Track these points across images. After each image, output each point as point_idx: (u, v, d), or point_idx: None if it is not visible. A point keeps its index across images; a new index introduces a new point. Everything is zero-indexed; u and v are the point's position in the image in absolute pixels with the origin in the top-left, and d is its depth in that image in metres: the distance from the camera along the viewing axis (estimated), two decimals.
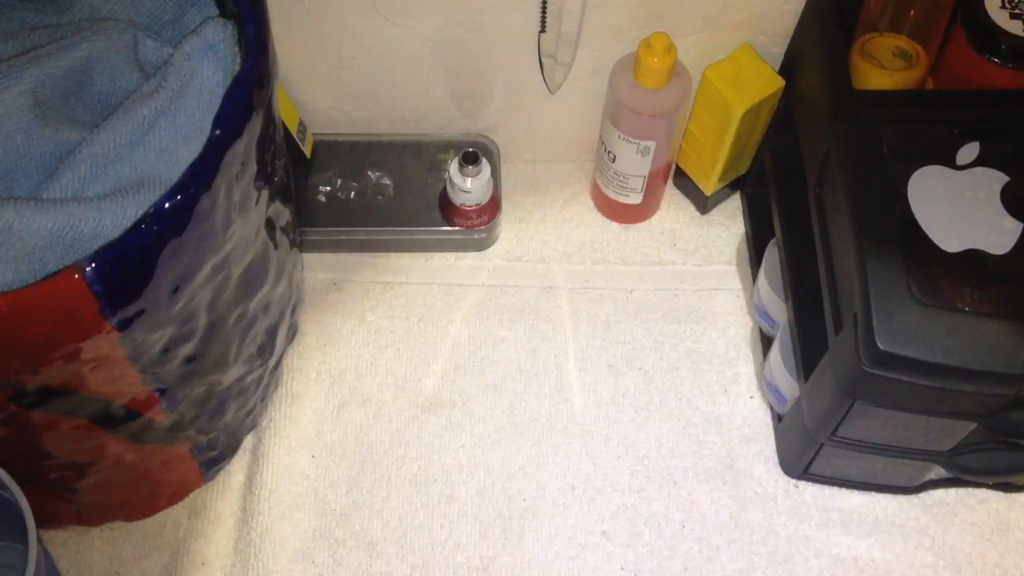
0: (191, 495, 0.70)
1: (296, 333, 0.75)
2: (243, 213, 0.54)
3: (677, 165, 0.81)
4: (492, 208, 0.78)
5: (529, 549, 0.68)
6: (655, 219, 0.82)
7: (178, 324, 0.53)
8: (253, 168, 0.54)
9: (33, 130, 0.51)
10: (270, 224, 0.60)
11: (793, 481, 0.71)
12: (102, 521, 0.68)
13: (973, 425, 0.61)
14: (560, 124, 0.81)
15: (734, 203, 0.83)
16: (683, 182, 0.82)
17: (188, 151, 0.51)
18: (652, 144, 0.73)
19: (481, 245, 0.80)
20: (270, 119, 0.55)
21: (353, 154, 0.81)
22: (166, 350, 0.54)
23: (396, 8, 0.70)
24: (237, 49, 0.53)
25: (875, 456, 0.66)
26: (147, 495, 0.68)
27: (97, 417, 0.56)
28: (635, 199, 0.78)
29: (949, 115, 0.62)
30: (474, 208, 0.77)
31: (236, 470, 0.71)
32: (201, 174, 0.48)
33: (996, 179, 0.59)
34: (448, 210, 0.78)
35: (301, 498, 0.70)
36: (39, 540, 0.51)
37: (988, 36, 0.62)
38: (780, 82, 0.72)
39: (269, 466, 0.71)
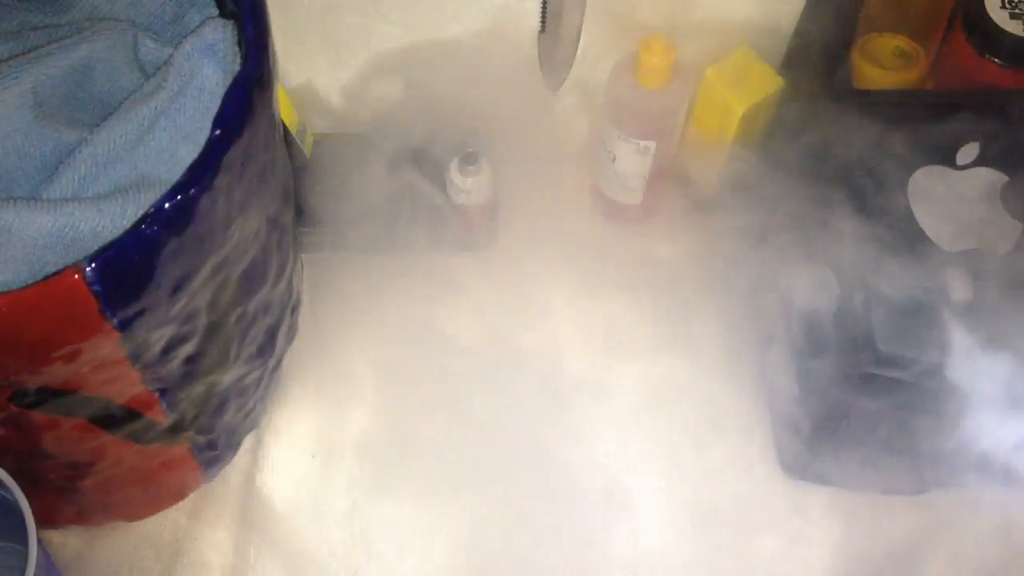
0: (191, 495, 0.70)
1: (296, 333, 0.75)
2: (243, 213, 0.54)
3: (677, 165, 0.81)
4: (492, 208, 0.78)
5: (528, 549, 0.68)
6: (655, 219, 0.82)
7: (178, 324, 0.53)
8: (253, 168, 0.53)
9: (33, 130, 0.51)
10: (270, 224, 0.60)
11: (793, 481, 0.71)
12: (102, 521, 0.68)
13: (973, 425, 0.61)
14: (560, 124, 0.81)
15: (734, 203, 0.82)
16: (683, 182, 0.82)
17: (188, 151, 0.51)
18: (652, 144, 0.73)
19: (481, 245, 0.80)
20: (270, 119, 0.55)
21: (353, 154, 0.81)
22: (166, 350, 0.54)
23: (396, 8, 0.70)
24: (237, 49, 0.53)
25: (875, 456, 0.66)
26: (147, 495, 0.68)
27: (97, 417, 0.56)
28: (635, 199, 0.78)
29: (949, 115, 0.62)
30: (474, 208, 0.77)
31: (236, 470, 0.71)
32: (201, 174, 0.48)
33: (996, 179, 0.59)
34: (448, 210, 0.78)
35: (301, 498, 0.70)
36: (39, 540, 0.51)
37: (988, 36, 0.62)
38: (780, 82, 0.72)
39: (269, 466, 0.71)
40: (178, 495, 0.69)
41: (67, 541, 0.68)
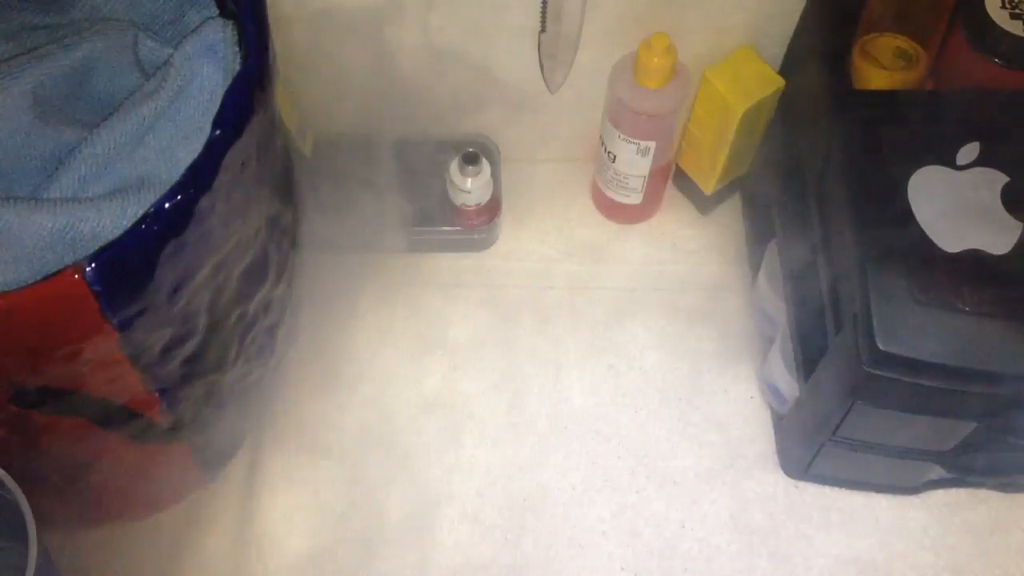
0: (191, 495, 0.70)
1: (296, 333, 0.75)
2: (243, 213, 0.54)
3: (677, 165, 0.81)
4: (492, 208, 0.78)
5: (529, 549, 0.68)
6: (655, 219, 0.82)
7: (178, 324, 0.53)
8: (253, 168, 0.53)
9: (33, 130, 0.51)
10: (270, 224, 0.60)
11: (793, 481, 0.71)
12: (102, 521, 0.68)
13: (973, 425, 0.61)
14: (560, 124, 0.81)
15: (734, 203, 0.83)
16: (683, 182, 0.82)
17: (188, 151, 0.51)
18: (652, 144, 0.73)
19: (481, 245, 0.80)
20: (270, 119, 0.55)
21: (353, 154, 0.81)
22: (166, 350, 0.54)
23: (396, 8, 0.70)
24: (237, 49, 0.53)
25: (875, 456, 0.66)
26: (147, 495, 0.68)
27: (97, 417, 0.56)
28: (635, 199, 0.78)
29: (949, 115, 0.62)
30: (474, 208, 0.77)
31: (236, 470, 0.71)
32: (201, 174, 0.48)
33: (996, 179, 0.59)
34: (448, 210, 0.78)
35: (301, 498, 0.70)
36: (39, 540, 0.51)
37: (988, 36, 0.62)
38: (780, 82, 0.72)
39: (269, 467, 0.71)
40: (178, 495, 0.69)
41: (67, 541, 0.68)
